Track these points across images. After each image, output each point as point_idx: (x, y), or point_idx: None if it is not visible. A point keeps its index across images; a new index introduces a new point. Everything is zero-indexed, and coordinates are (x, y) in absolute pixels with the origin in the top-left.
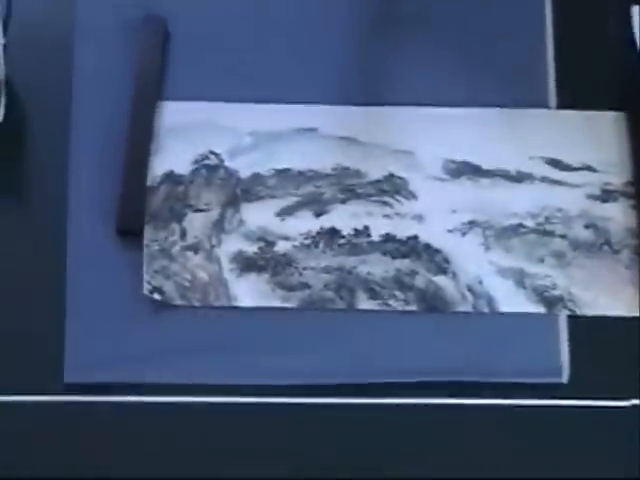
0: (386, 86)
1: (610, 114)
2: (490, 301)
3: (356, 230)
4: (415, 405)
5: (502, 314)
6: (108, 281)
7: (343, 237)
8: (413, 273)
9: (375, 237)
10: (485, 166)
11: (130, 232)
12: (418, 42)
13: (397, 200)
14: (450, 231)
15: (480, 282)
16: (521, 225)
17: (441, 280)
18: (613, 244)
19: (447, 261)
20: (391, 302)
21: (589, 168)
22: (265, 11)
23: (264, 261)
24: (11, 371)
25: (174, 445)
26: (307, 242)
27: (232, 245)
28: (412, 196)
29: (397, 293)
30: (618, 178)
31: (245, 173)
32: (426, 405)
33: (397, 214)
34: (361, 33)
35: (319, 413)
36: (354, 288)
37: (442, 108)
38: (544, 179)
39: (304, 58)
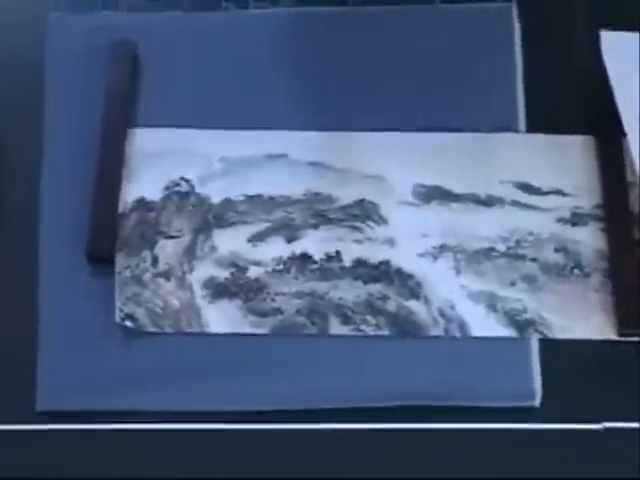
0: (356, 111)
1: (579, 138)
2: (462, 325)
3: (328, 255)
4: (385, 430)
5: (474, 338)
6: (80, 308)
7: (315, 262)
8: (385, 298)
9: (347, 262)
10: (455, 190)
11: (101, 259)
12: (388, 67)
13: (368, 225)
14: (421, 255)
15: (452, 306)
16: (492, 249)
17: (413, 304)
18: (583, 267)
19: (419, 285)
20: (363, 327)
21: (559, 192)
22: (236, 37)
23: (236, 287)
24: None
25: (147, 472)
26: (279, 268)
27: (204, 271)
28: (383, 221)
29: (369, 318)
30: (588, 201)
31: (216, 199)
32: (397, 430)
33: (368, 239)
34: (329, 58)
35: (292, 439)
36: (326, 313)
37: (412, 133)
38: (514, 203)
39: (274, 84)
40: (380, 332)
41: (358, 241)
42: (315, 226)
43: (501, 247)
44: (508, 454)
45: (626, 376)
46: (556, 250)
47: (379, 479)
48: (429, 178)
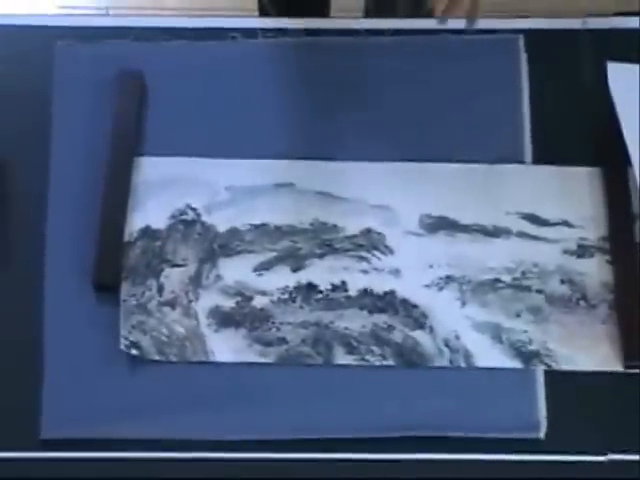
0: (363, 142)
1: (585, 169)
2: (467, 356)
3: (333, 285)
4: (389, 460)
5: (479, 369)
6: (85, 336)
7: (320, 292)
8: (390, 328)
9: (352, 292)
10: (462, 221)
11: (107, 287)
12: (395, 97)
13: (374, 255)
14: (427, 286)
15: (457, 337)
16: (497, 280)
17: (418, 335)
18: (589, 299)
19: (424, 316)
20: (368, 357)
21: (565, 223)
22: (243, 67)
23: (241, 316)
24: None
25: None
26: (284, 297)
27: (209, 300)
28: (389, 251)
29: (374, 348)
30: (594, 233)
31: (222, 228)
32: (402, 461)
33: (374, 269)
34: (337, 88)
35: (295, 468)
36: (331, 343)
37: (419, 163)
38: (520, 234)
39: (281, 114)
40: (385, 362)
41: (364, 271)
42: (321, 256)
43: (507, 278)
44: None
45: (631, 408)
46: (562, 282)
47: None
48: (435, 208)
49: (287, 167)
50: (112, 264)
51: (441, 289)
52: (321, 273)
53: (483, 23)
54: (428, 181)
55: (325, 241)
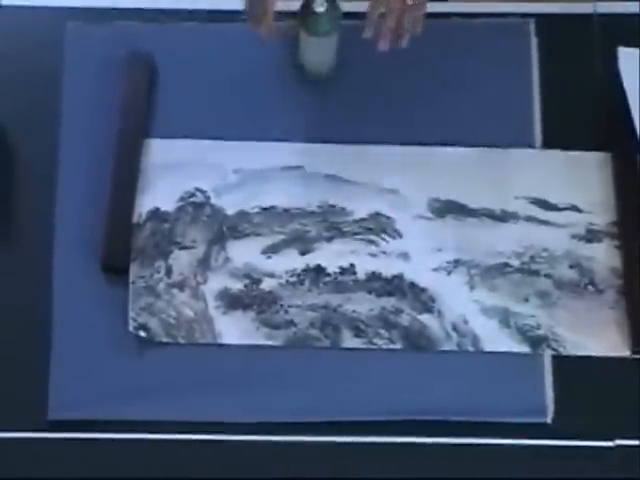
0: (372, 125)
1: (595, 154)
2: (475, 340)
3: (342, 268)
4: (398, 444)
5: (486, 353)
6: (93, 317)
7: (329, 275)
8: (398, 311)
9: (360, 275)
10: (470, 205)
11: (116, 269)
12: (405, 81)
13: (383, 238)
14: (435, 270)
15: (465, 321)
16: (506, 264)
17: (426, 319)
18: (597, 284)
19: (432, 299)
20: (376, 340)
21: (574, 208)
22: (253, 49)
23: (250, 299)
24: None
25: None
26: (293, 280)
27: (218, 282)
28: (398, 234)
29: (382, 331)
30: (603, 218)
31: (231, 210)
32: (409, 444)
33: (383, 252)
34: (347, 71)
35: (304, 451)
36: (339, 326)
37: (428, 147)
38: (529, 219)
39: (291, 96)
40: (393, 346)
41: (372, 254)
42: (329, 239)
43: (515, 263)
44: (519, 470)
45: (638, 394)
46: (570, 266)
47: None
48: (444, 192)
49: (296, 150)
50: (121, 246)
51: (449, 273)
52: (329, 256)
53: (494, 7)
54: (437, 165)
55: (334, 224)
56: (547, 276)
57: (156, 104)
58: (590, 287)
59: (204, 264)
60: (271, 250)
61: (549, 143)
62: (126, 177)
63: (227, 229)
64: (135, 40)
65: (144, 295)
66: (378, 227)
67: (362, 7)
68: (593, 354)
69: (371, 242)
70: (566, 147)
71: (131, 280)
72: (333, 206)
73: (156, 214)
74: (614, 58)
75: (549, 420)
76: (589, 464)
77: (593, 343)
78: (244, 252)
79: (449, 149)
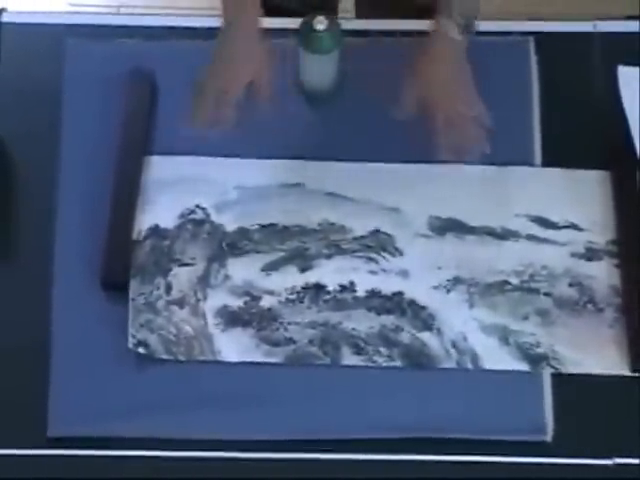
0: (373, 143)
1: (595, 173)
2: (474, 358)
3: (341, 286)
4: (398, 461)
5: (486, 371)
6: (93, 334)
7: (328, 292)
8: (398, 329)
9: (360, 293)
10: (470, 223)
11: (115, 286)
12: None
13: (383, 256)
14: (435, 287)
15: (464, 339)
16: (506, 282)
17: (426, 336)
18: (597, 302)
19: (432, 317)
20: (376, 358)
21: (574, 226)
22: None
23: (249, 316)
24: None
25: None
26: (292, 297)
27: (217, 300)
28: (398, 252)
29: (382, 349)
30: (602, 237)
31: (231, 227)
32: (409, 462)
33: (383, 270)
34: (346, 88)
35: (303, 468)
36: (339, 344)
37: (428, 165)
38: (529, 237)
39: (291, 114)
40: (392, 363)
41: (372, 272)
42: (329, 256)
43: (515, 281)
44: None
45: (638, 412)
46: (570, 285)
47: None
48: (445, 210)
49: (296, 167)
50: (121, 262)
51: (449, 291)
52: (329, 274)
53: (494, 25)
54: (437, 183)
55: (333, 242)
56: (547, 294)
57: (156, 121)
58: (590, 305)
59: (204, 281)
60: (271, 267)
61: (549, 161)
62: (126, 194)
63: (227, 246)
64: (135, 57)
65: (144, 312)
66: (378, 245)
67: (362, 25)
68: (593, 372)
69: (371, 260)
70: (566, 165)
71: (131, 297)
72: (333, 224)
73: (156, 231)
74: (614, 77)
75: (549, 438)
76: None
77: (592, 361)
78: (244, 269)
79: (449, 167)
